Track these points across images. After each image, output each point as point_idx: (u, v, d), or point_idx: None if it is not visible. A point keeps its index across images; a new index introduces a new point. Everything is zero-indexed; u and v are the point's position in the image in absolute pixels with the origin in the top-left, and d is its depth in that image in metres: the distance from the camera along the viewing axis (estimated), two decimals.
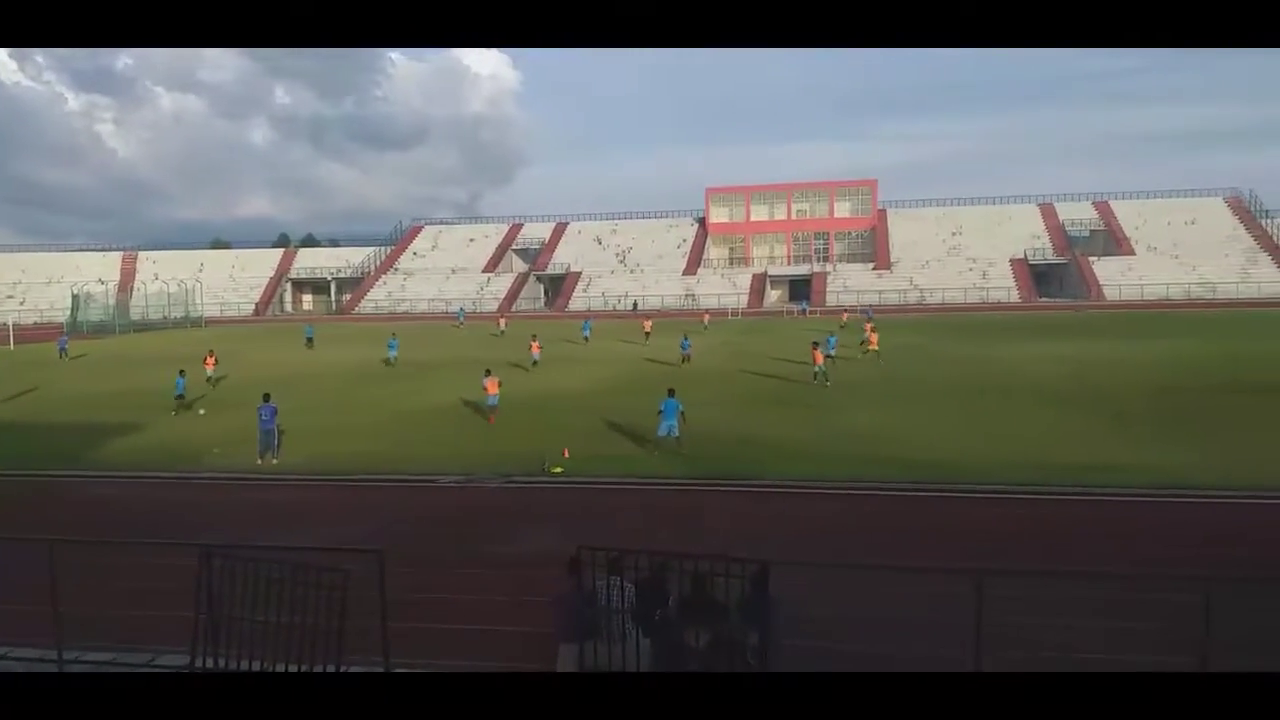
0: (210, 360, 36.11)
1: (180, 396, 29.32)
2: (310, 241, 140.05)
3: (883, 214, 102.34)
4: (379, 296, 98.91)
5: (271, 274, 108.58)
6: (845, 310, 66.09)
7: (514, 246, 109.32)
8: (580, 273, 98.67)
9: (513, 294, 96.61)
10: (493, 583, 12.41)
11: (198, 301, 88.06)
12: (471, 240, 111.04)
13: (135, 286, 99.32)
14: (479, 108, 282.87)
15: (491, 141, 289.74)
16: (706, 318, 62.23)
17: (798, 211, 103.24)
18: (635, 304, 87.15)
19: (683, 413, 21.09)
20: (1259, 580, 10.55)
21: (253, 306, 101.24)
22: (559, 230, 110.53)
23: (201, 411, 29.06)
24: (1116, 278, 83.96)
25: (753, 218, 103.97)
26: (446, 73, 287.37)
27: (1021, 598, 9.52)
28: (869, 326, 42.31)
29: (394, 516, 16.56)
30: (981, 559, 11.68)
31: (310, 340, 53.79)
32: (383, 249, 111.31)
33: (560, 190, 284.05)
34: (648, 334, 51.63)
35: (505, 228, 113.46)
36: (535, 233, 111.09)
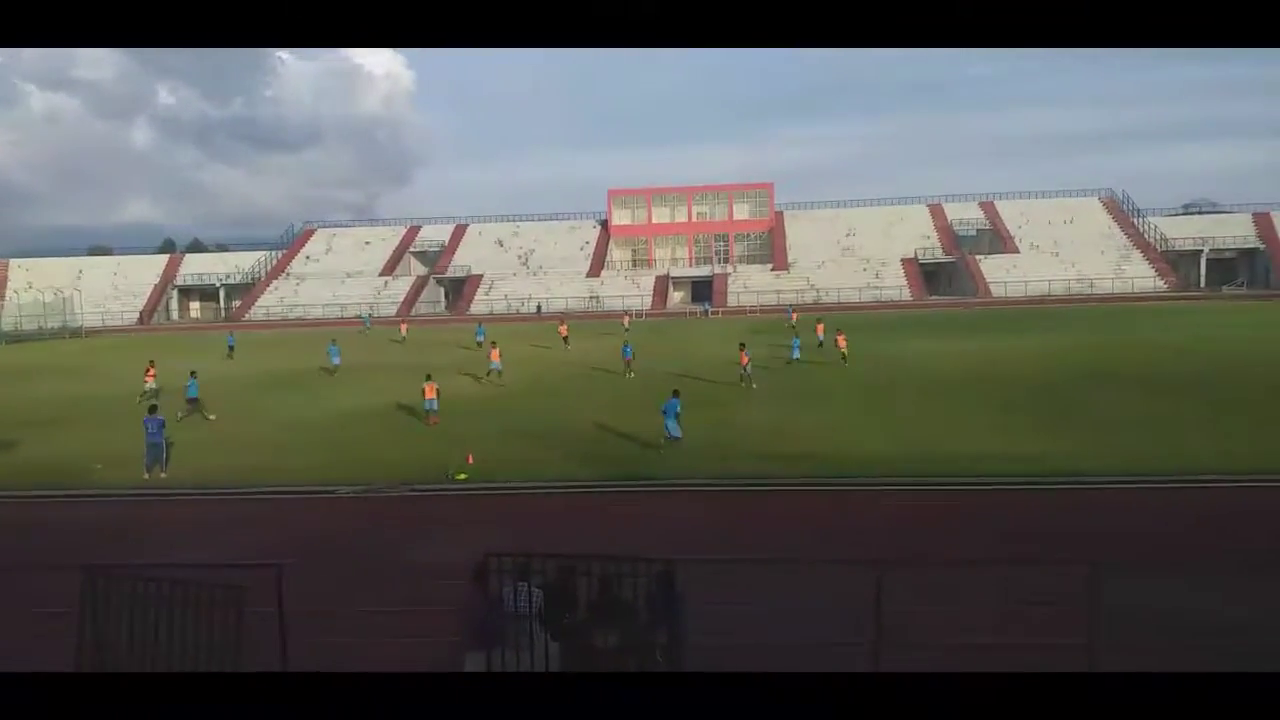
0: (150, 373, 33.69)
1: (193, 399, 29.02)
2: (197, 247, 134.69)
3: (780, 216, 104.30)
4: (271, 302, 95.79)
5: (156, 281, 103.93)
6: (794, 310, 64.89)
7: (412, 249, 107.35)
8: (482, 275, 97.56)
9: (411, 297, 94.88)
10: (395, 594, 12.17)
11: (77, 310, 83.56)
12: (368, 243, 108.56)
13: (7, 296, 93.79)
14: (374, 108, 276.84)
15: (387, 142, 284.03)
16: (627, 320, 61.18)
17: (698, 214, 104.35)
18: (539, 307, 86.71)
19: (678, 414, 20.95)
20: (1139, 562, 11.17)
21: (137, 315, 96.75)
22: (459, 232, 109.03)
23: (211, 416, 28.07)
24: (1002, 275, 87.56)
25: (654, 220, 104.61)
26: (338, 72, 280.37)
27: (917, 586, 9.83)
28: (819, 327, 43.51)
29: (292, 530, 16.07)
30: (878, 550, 12.03)
31: (232, 349, 50.96)
32: (274, 253, 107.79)
33: (460, 192, 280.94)
34: (565, 338, 49.39)
35: (403, 230, 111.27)
36: (434, 235, 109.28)
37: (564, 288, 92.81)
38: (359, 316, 79.06)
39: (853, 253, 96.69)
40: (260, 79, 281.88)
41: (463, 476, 19.07)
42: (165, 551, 14.14)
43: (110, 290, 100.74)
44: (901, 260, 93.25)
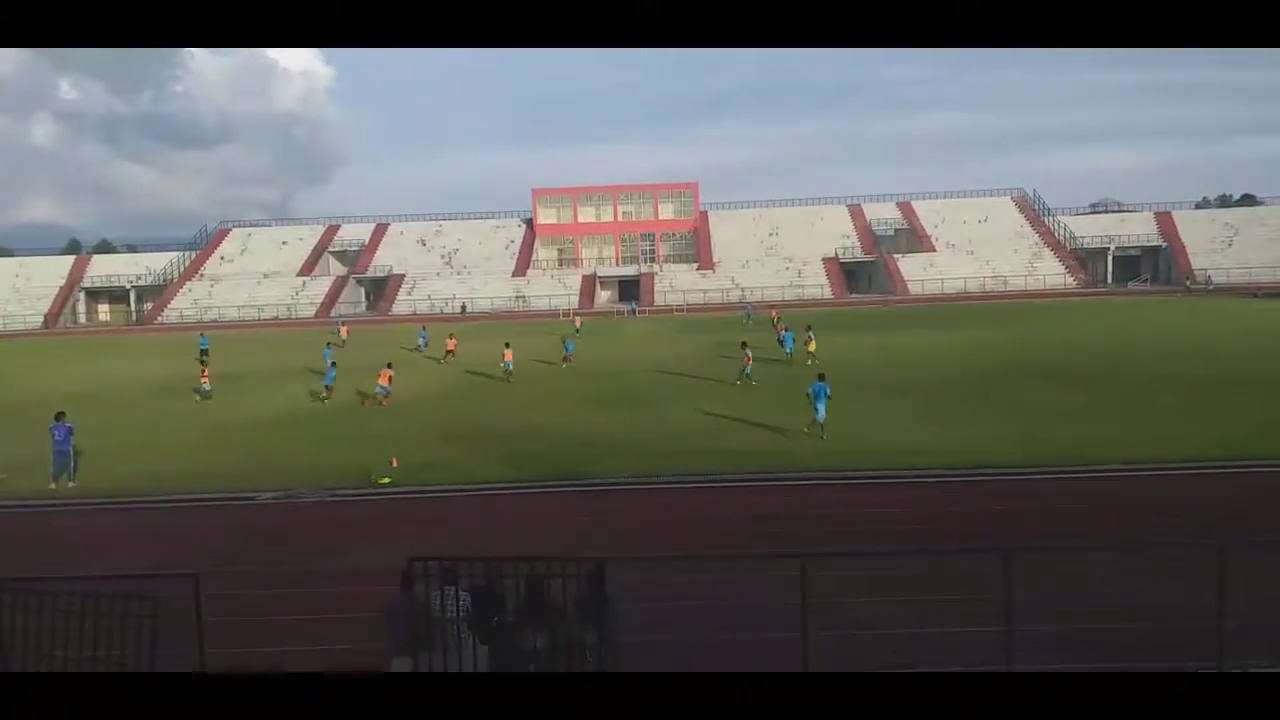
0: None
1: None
2: (106, 247, 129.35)
3: (704, 216, 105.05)
4: (184, 305, 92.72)
5: (61, 283, 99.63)
6: (774, 308, 62.28)
7: (331, 249, 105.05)
8: (404, 275, 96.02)
9: (331, 298, 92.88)
10: (318, 601, 11.92)
11: None
12: (285, 243, 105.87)
13: None
14: (290, 105, 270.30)
15: (305, 140, 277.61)
16: (578, 321, 59.62)
17: (624, 213, 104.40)
18: (464, 306, 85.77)
19: (829, 396, 21.55)
20: (1057, 549, 11.57)
21: (41, 318, 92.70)
22: (379, 231, 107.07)
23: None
24: (919, 273, 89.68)
25: (580, 219, 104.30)
26: (253, 68, 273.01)
27: (845, 577, 10.02)
28: (780, 326, 43.57)
29: (209, 538, 15.60)
30: (805, 543, 12.21)
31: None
32: (187, 254, 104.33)
33: (381, 190, 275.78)
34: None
35: (321, 229, 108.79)
36: (354, 234, 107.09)
37: (488, 287, 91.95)
38: (266, 317, 76.65)
39: (776, 252, 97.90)
40: (171, 74, 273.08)
41: (386, 480, 18.77)
42: (71, 564, 13.58)
43: (11, 293, 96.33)
44: (823, 259, 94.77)
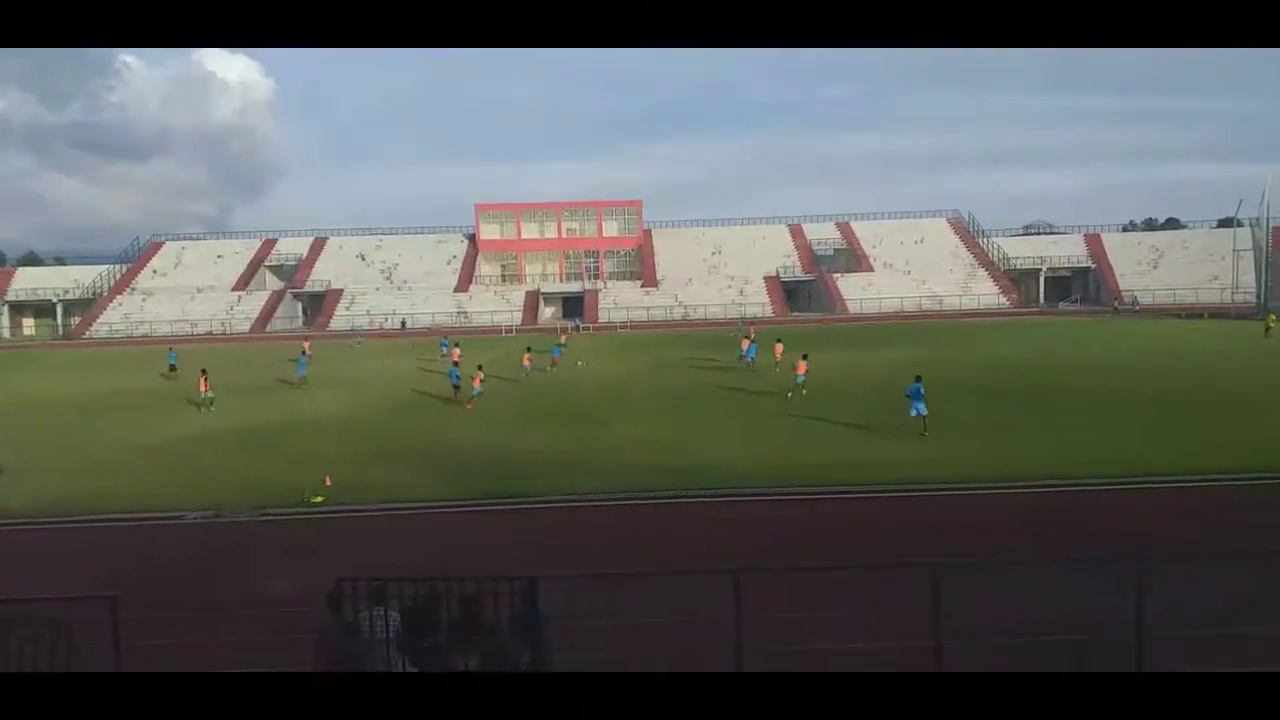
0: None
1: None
2: (32, 260, 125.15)
3: (648, 234, 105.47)
4: (114, 319, 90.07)
5: None
6: (749, 324, 63.12)
7: (267, 263, 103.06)
8: (342, 290, 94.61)
9: (267, 313, 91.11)
10: (244, 624, 11.61)
11: None
12: (220, 257, 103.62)
13: None
14: (227, 116, 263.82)
15: (242, 152, 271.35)
16: (564, 336, 58.05)
17: (568, 230, 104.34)
18: (404, 322, 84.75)
19: (923, 395, 23.57)
20: (983, 563, 11.75)
21: None
22: (317, 245, 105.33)
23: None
24: (858, 293, 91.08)
25: (524, 235, 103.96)
26: (189, 79, 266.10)
27: (779, 593, 10.06)
28: (745, 338, 44.90)
29: (132, 559, 15.12)
30: (739, 557, 12.24)
31: (173, 367, 45.20)
32: (118, 267, 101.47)
33: (320, 204, 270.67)
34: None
35: (258, 243, 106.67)
36: (291, 248, 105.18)
37: (430, 303, 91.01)
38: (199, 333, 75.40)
39: (719, 270, 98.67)
40: (103, 83, 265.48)
41: (319, 499, 18.40)
42: None
43: None
44: (764, 278, 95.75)
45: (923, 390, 23.92)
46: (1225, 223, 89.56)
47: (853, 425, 25.54)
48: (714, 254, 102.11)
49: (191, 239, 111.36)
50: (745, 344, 43.50)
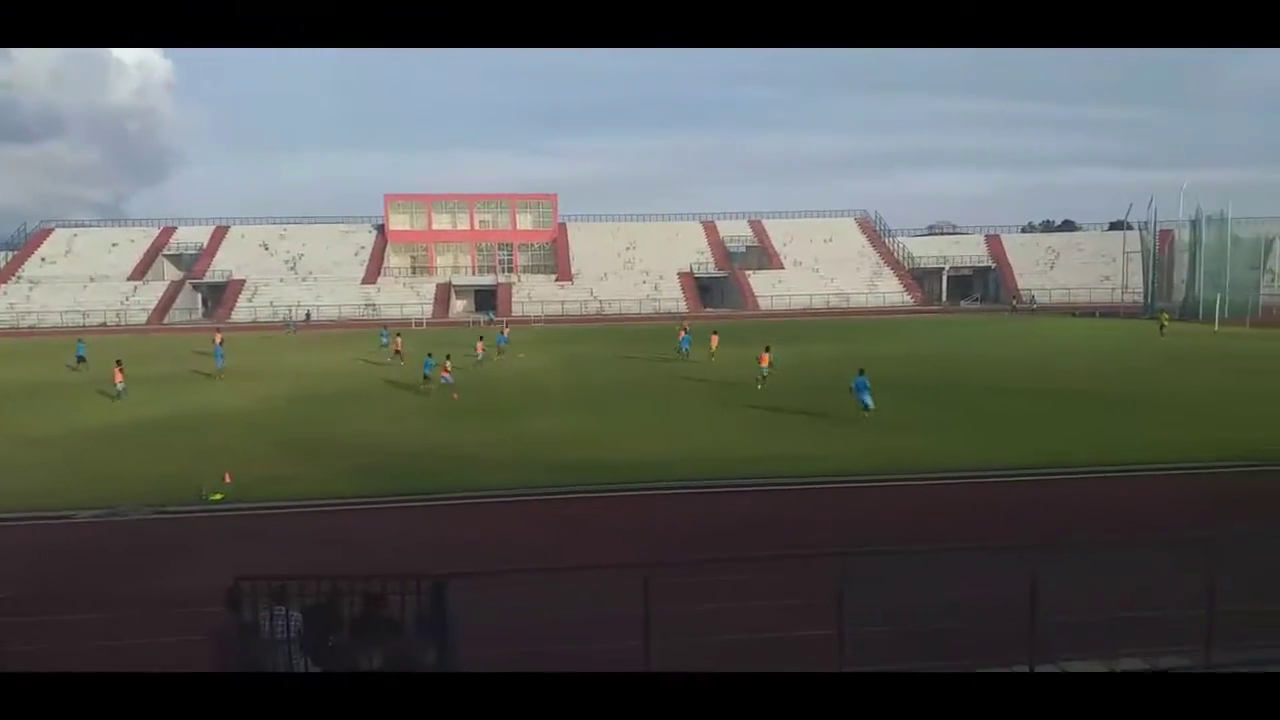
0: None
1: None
2: None
3: (563, 227, 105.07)
4: None
5: None
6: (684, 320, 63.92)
7: (166, 252, 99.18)
8: (244, 280, 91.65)
9: (165, 303, 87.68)
10: (135, 627, 11.09)
11: None
12: (115, 245, 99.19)
13: None
14: (124, 99, 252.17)
15: (140, 137, 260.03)
16: (506, 330, 56.58)
17: (480, 222, 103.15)
18: (308, 314, 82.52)
19: (869, 388, 25.21)
20: (895, 552, 12.01)
21: None
22: (219, 234, 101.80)
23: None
24: (769, 289, 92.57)
25: (435, 226, 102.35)
26: (82, 58, 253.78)
27: (691, 587, 10.09)
28: (683, 331, 47.27)
29: (15, 561, 14.32)
30: (654, 554, 12.26)
31: (82, 359, 43.44)
32: (3, 255, 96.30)
33: (223, 192, 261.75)
34: (398, 352, 44.11)
35: (155, 231, 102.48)
36: (191, 237, 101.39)
37: (336, 294, 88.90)
38: (286, 322, 74.30)
39: (633, 265, 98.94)
40: None
41: (218, 496, 17.76)
42: None
43: None
44: (679, 274, 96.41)
45: (867, 383, 25.49)
46: (1117, 226, 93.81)
47: (767, 421, 25.87)
48: (629, 249, 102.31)
49: (84, 226, 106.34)
50: (681, 335, 46.19)
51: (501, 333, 51.45)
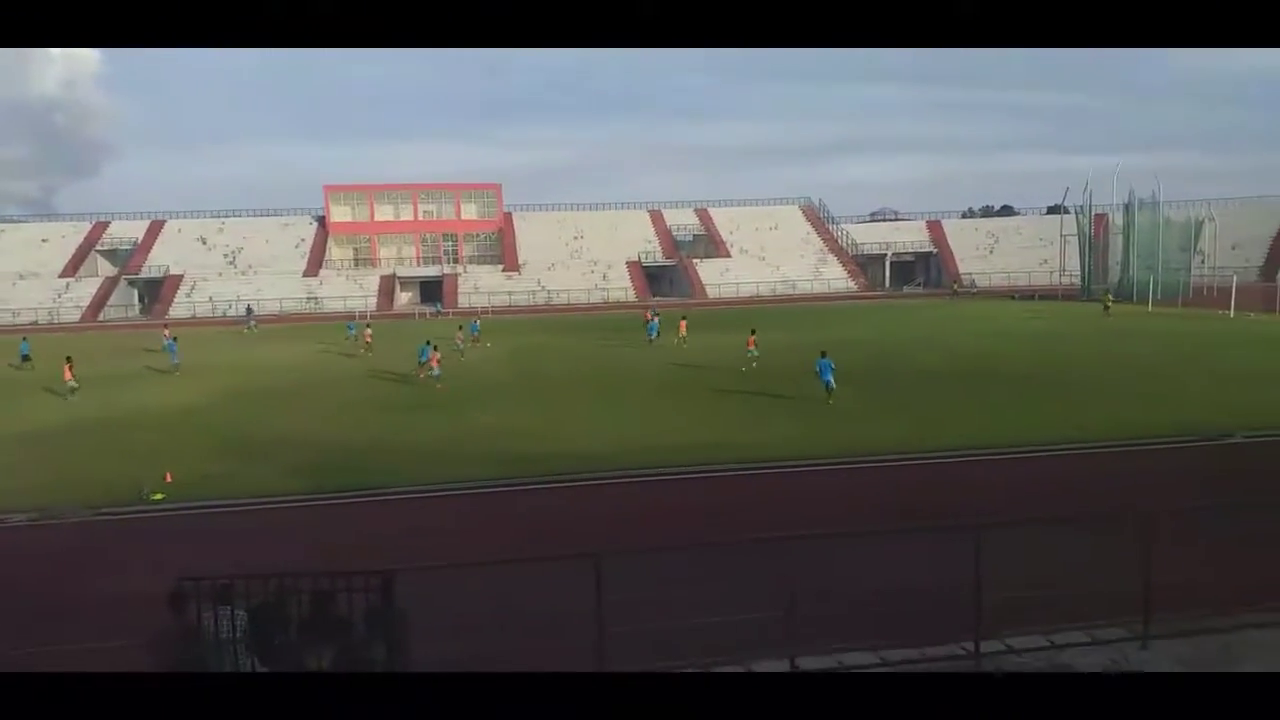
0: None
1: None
2: None
3: (509, 217, 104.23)
4: None
5: None
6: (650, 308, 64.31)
7: (99, 247, 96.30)
8: (182, 275, 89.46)
9: (99, 300, 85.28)
10: (76, 631, 10.84)
11: None
12: (44, 240, 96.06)
13: None
14: (51, 89, 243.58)
15: (68, 129, 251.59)
16: (478, 320, 56.28)
17: (424, 212, 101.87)
18: (249, 309, 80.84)
19: (833, 369, 26.23)
20: (847, 535, 12.18)
21: None
22: (155, 229, 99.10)
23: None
24: (716, 278, 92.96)
25: (377, 217, 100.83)
26: (5, 50, 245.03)
27: (638, 576, 10.14)
28: (649, 316, 48.56)
29: None
30: (602, 543, 12.27)
31: (27, 357, 41.72)
32: None
33: (158, 186, 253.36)
34: (369, 344, 45.81)
35: (88, 226, 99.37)
36: (126, 232, 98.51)
37: (277, 288, 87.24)
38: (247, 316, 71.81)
39: (581, 255, 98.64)
40: None
41: (159, 496, 17.37)
42: None
43: None
44: (626, 263, 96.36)
45: (831, 365, 26.43)
46: (1054, 210, 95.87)
47: (716, 407, 26.05)
48: (576, 238, 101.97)
49: (11, 221, 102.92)
50: (652, 320, 47.42)
51: (475, 322, 51.79)
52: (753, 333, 36.69)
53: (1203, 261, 74.50)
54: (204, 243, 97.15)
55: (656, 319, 47.65)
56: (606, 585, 7.79)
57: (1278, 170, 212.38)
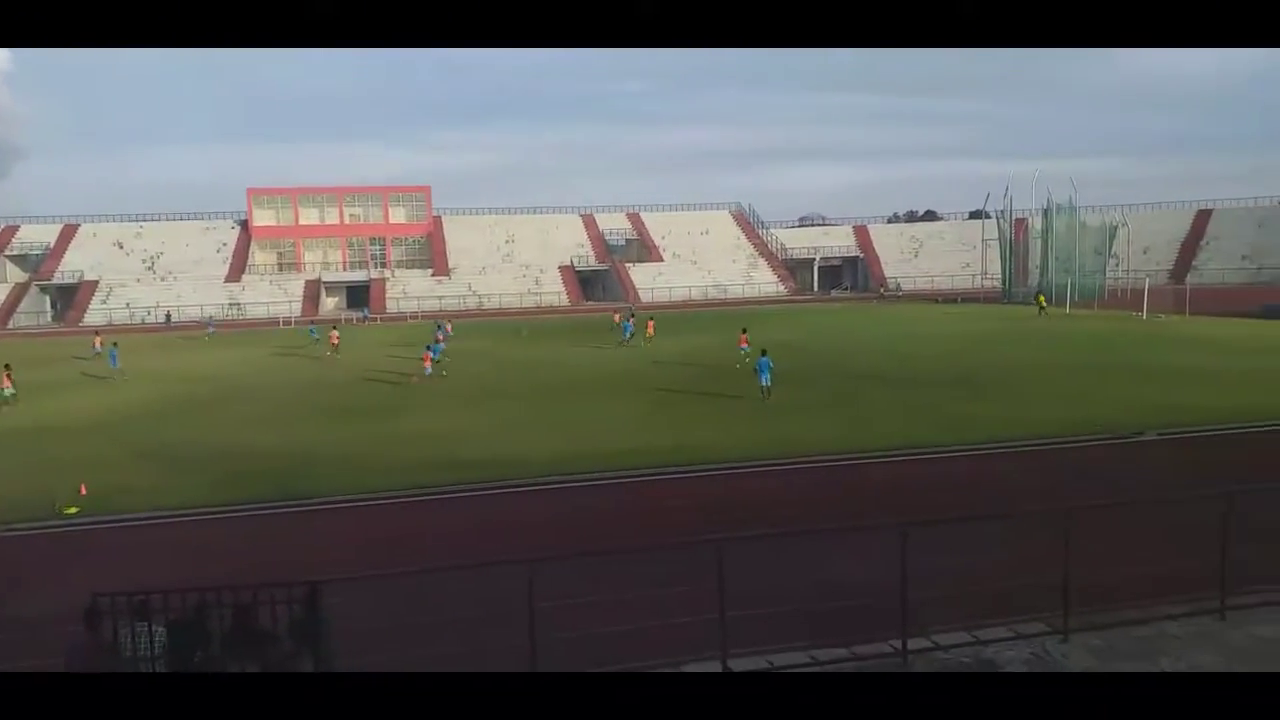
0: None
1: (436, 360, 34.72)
2: None
3: (438, 220, 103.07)
4: None
5: None
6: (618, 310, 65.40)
7: (8, 252, 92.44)
8: (97, 281, 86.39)
9: (9, 307, 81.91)
10: None
11: None
12: None
13: None
14: None
15: None
16: (450, 326, 54.73)
17: (350, 216, 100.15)
18: (169, 315, 78.52)
19: (771, 368, 27.01)
20: (777, 535, 12.31)
21: None
22: (68, 233, 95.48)
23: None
24: (649, 282, 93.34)
25: (302, 221, 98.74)
26: None
27: (572, 581, 10.11)
28: (619, 318, 51.57)
29: None
30: (532, 551, 12.21)
31: None
32: None
33: (71, 189, 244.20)
34: (335, 346, 46.00)
35: None
36: (37, 236, 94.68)
37: (198, 294, 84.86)
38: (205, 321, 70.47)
39: (513, 259, 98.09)
40: None
41: (73, 510, 16.72)
42: None
43: None
44: (559, 267, 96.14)
45: (770, 364, 27.30)
46: (976, 215, 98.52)
47: (650, 412, 26.12)
48: (508, 242, 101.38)
49: None
50: (623, 320, 50.28)
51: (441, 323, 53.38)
52: (744, 331, 37.94)
53: (1117, 265, 77.31)
54: (121, 247, 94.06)
55: (632, 320, 49.34)
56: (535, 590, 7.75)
57: (1187, 176, 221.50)
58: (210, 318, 72.08)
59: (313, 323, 58.57)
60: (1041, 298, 61.78)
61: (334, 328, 49.89)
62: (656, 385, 30.99)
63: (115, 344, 41.49)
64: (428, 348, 36.10)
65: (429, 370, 34.04)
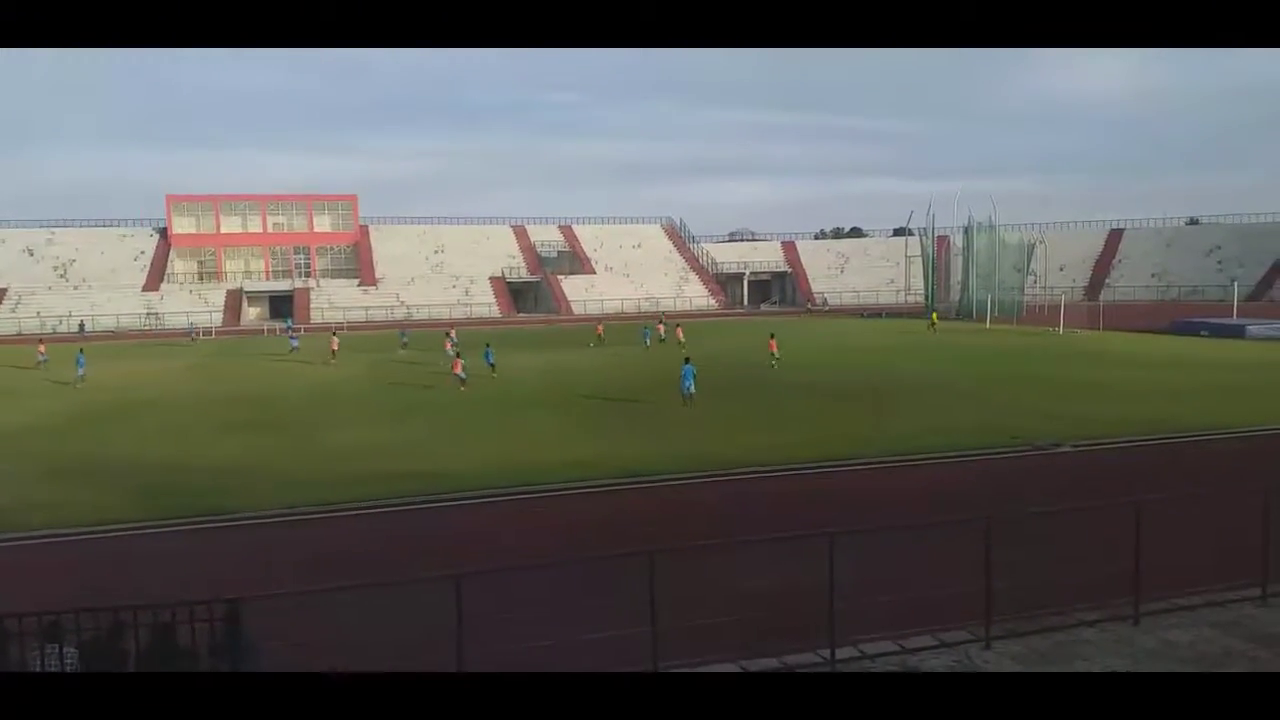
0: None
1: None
2: None
3: (365, 229, 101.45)
4: None
5: None
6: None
7: None
8: (6, 290, 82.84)
9: None
10: None
11: None
12: None
13: None
14: None
15: None
16: (454, 334, 53.76)
17: (274, 224, 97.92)
18: (82, 325, 75.69)
19: (696, 375, 28.30)
20: (706, 546, 12.37)
21: None
22: None
23: None
24: (581, 294, 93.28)
25: (224, 229, 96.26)
26: None
27: (495, 595, 10.02)
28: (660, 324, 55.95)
29: None
30: (461, 564, 12.07)
31: None
32: None
33: None
34: (334, 353, 46.22)
35: None
36: None
37: (114, 303, 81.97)
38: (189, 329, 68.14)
39: (443, 270, 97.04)
40: None
41: None
42: None
43: None
44: (490, 278, 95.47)
45: (694, 371, 28.50)
46: (900, 232, 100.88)
47: (580, 424, 26.05)
48: (437, 253, 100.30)
49: None
50: (658, 328, 54.71)
51: (403, 332, 57.41)
52: (772, 337, 40.50)
53: (1035, 281, 79.95)
54: (31, 254, 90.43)
55: (662, 327, 54.81)
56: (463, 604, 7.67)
57: (1101, 196, 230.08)
58: (193, 325, 69.95)
59: (291, 333, 58.59)
60: (935, 315, 63.47)
61: (335, 334, 50.47)
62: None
63: (82, 350, 39.85)
64: (456, 355, 37.17)
65: (463, 375, 34.28)
